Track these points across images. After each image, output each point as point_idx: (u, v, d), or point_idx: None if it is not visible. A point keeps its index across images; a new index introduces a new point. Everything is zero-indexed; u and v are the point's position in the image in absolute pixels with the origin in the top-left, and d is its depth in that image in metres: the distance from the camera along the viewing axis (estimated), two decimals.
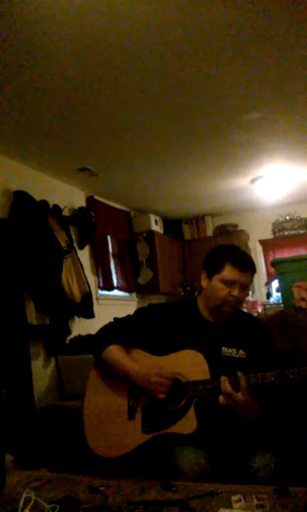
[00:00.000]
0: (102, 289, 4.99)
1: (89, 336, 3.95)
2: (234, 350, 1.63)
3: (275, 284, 5.25)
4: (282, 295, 3.16)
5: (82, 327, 4.24)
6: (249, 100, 3.25)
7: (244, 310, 1.86)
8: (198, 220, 6.49)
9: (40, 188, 4.13)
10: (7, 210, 3.69)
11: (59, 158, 4.03)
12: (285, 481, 1.33)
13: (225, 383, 1.45)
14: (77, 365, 3.67)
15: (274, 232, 6.25)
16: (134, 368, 1.58)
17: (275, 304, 5.00)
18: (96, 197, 5.03)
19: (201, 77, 2.89)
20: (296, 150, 4.27)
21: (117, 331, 1.71)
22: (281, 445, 1.71)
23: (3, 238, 3.48)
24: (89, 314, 4.36)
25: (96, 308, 4.50)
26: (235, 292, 1.61)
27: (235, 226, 6.36)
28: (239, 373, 1.47)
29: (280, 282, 3.16)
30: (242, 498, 1.14)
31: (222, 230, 6.31)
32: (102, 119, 3.34)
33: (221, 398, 1.46)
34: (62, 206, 4.29)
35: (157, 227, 5.89)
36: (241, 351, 1.64)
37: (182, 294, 6.11)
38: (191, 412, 1.50)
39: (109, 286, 5.07)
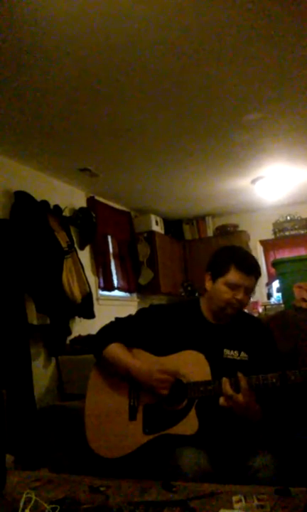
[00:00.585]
0: (103, 289, 4.99)
1: (89, 336, 3.95)
2: (235, 352, 1.63)
3: (276, 284, 5.26)
4: (283, 295, 3.17)
5: (83, 327, 4.25)
6: (249, 100, 3.25)
7: (245, 310, 1.85)
8: (199, 220, 6.49)
9: (40, 189, 4.13)
10: (8, 210, 3.70)
11: (59, 159, 4.04)
12: (285, 481, 1.33)
13: (226, 385, 1.45)
14: (77, 365, 3.68)
15: (275, 233, 6.25)
16: (136, 364, 1.58)
17: (275, 304, 5.01)
18: (96, 197, 5.03)
19: (201, 77, 2.89)
20: (297, 150, 4.27)
21: (118, 330, 1.70)
22: (282, 445, 1.71)
23: (3, 238, 3.48)
24: (90, 315, 4.36)
25: (96, 308, 4.50)
26: (239, 296, 1.60)
27: (236, 226, 6.36)
28: (240, 375, 1.46)
29: (280, 283, 3.17)
30: (243, 499, 1.14)
31: (223, 231, 6.31)
32: (102, 119, 3.34)
33: (221, 400, 1.45)
34: (62, 206, 4.29)
35: (157, 228, 5.89)
36: (243, 353, 1.63)
37: (183, 294, 6.11)
38: (192, 413, 1.50)
39: (110, 287, 5.06)
